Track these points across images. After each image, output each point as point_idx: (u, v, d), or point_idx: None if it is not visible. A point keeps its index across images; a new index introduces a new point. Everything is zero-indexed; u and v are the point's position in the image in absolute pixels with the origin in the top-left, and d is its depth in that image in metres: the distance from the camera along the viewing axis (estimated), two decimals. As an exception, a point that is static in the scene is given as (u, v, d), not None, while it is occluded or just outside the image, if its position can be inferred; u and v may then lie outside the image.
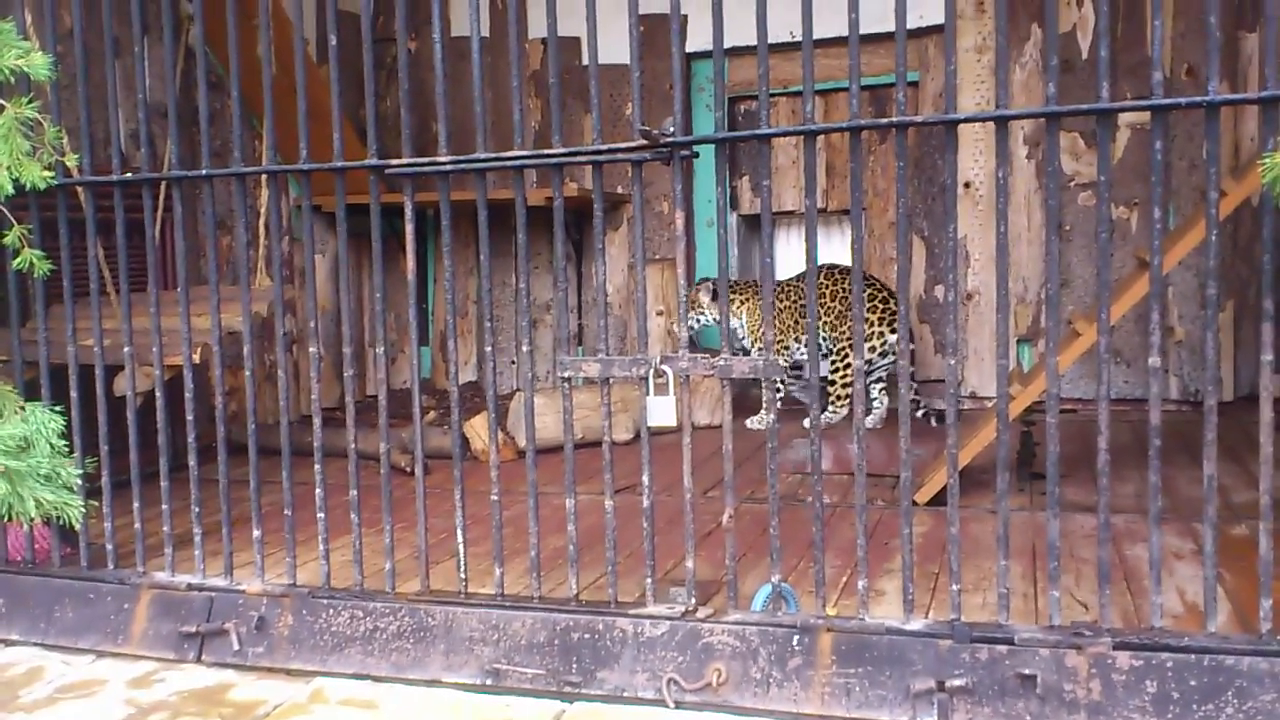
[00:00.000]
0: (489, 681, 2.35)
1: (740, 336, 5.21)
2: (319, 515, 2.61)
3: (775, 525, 2.29)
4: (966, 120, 2.19)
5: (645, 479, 2.37)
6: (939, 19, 5.28)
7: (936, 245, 5.60)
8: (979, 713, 2.05)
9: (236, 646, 2.54)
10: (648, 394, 2.34)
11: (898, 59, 2.13)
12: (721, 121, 2.38)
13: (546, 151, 2.39)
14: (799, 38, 2.23)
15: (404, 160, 2.49)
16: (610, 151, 2.36)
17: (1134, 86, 4.99)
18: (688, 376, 2.34)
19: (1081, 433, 4.31)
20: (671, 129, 2.29)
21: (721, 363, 2.30)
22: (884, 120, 2.17)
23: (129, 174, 2.74)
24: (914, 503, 2.89)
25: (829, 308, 5.01)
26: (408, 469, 4.19)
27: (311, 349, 2.65)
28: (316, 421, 2.60)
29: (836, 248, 6.07)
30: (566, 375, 2.43)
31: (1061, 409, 4.08)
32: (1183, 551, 3.01)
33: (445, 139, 2.48)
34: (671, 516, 3.35)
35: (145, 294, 3.07)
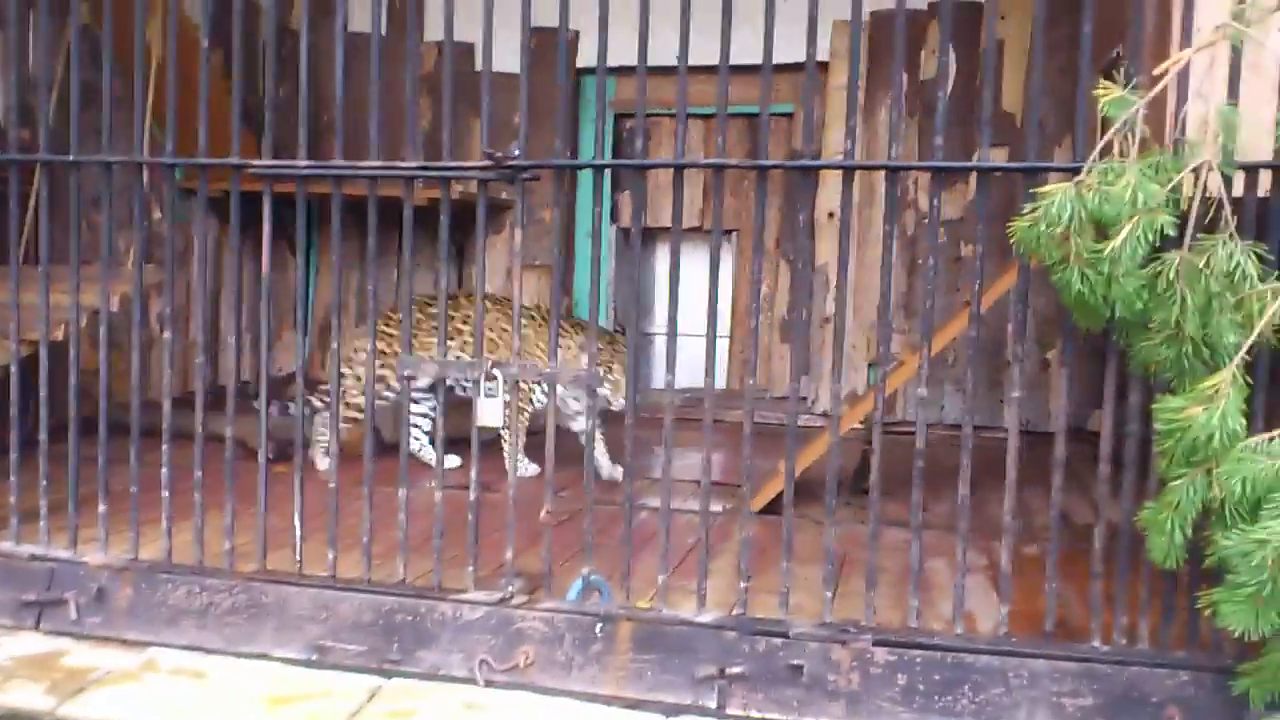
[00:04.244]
0: (314, 657, 2.51)
1: None
2: (163, 494, 2.73)
3: (589, 522, 2.50)
4: (820, 167, 2.50)
5: (474, 473, 2.55)
6: (820, 55, 5.65)
7: (800, 271, 5.89)
8: (752, 699, 2.28)
9: (74, 616, 2.64)
10: (478, 395, 2.53)
11: (762, 94, 2.36)
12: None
13: (399, 165, 2.56)
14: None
15: (263, 162, 2.63)
16: (458, 169, 2.54)
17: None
18: (517, 381, 2.53)
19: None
20: (517, 152, 2.49)
21: (549, 370, 2.50)
22: (748, 162, 2.43)
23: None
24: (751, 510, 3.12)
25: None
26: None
27: (165, 334, 2.77)
28: (165, 404, 2.72)
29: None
30: (407, 374, 2.60)
31: (900, 431, 4.39)
32: (975, 565, 3.30)
33: (305, 143, 2.63)
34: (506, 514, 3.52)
35: (4, 269, 3.14)
